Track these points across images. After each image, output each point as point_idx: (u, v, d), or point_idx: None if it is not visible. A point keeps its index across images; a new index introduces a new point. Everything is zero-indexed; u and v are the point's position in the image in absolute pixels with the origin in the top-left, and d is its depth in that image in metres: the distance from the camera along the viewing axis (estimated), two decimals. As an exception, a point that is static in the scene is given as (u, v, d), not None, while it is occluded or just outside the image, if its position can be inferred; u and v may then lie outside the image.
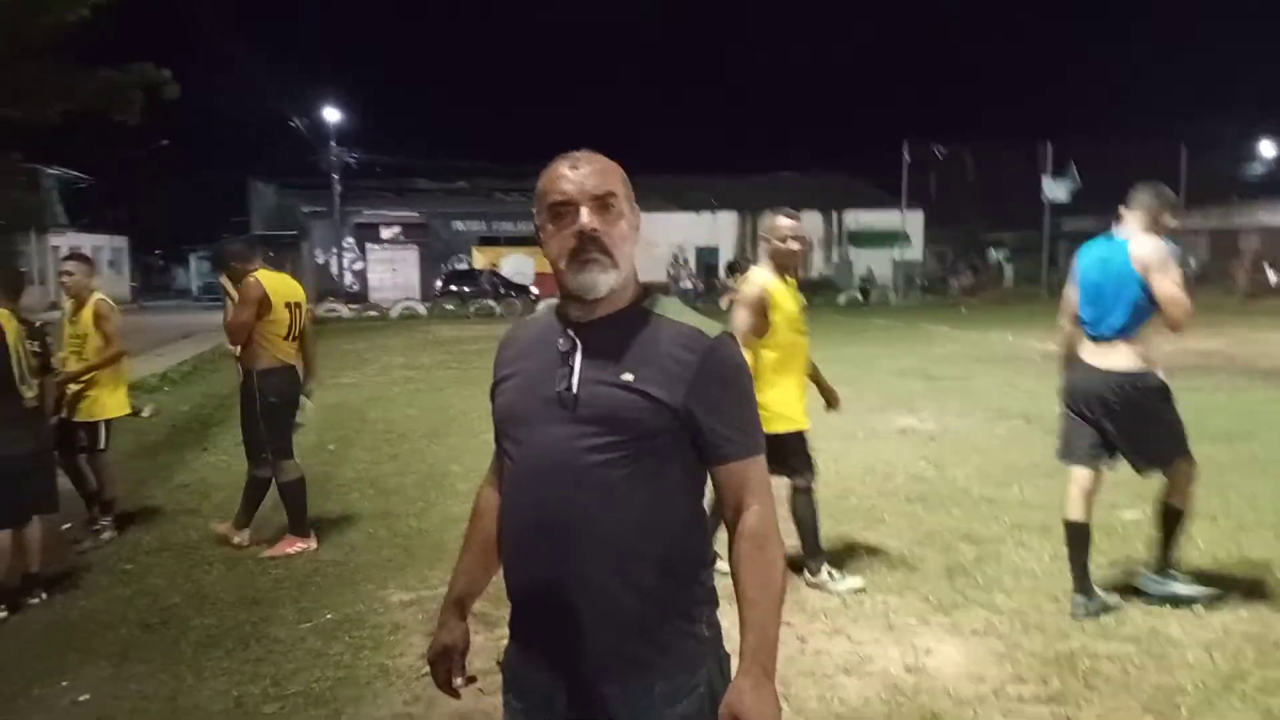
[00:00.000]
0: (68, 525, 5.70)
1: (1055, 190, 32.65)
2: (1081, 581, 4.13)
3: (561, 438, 1.53)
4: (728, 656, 1.63)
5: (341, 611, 4.29)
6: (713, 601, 1.65)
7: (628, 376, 1.51)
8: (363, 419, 9.49)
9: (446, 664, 1.75)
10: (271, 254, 5.65)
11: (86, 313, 5.43)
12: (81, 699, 3.50)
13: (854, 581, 4.49)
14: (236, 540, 5.26)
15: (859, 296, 32.02)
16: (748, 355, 4.26)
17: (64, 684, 3.62)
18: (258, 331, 5.07)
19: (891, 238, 35.70)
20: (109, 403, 5.53)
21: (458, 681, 1.75)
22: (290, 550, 5.11)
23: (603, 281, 1.53)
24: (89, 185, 40.10)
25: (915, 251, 38.08)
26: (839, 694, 3.42)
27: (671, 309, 1.61)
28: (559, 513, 1.52)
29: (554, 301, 1.69)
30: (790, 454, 4.40)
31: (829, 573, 4.50)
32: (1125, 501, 5.48)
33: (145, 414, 9.67)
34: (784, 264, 4.60)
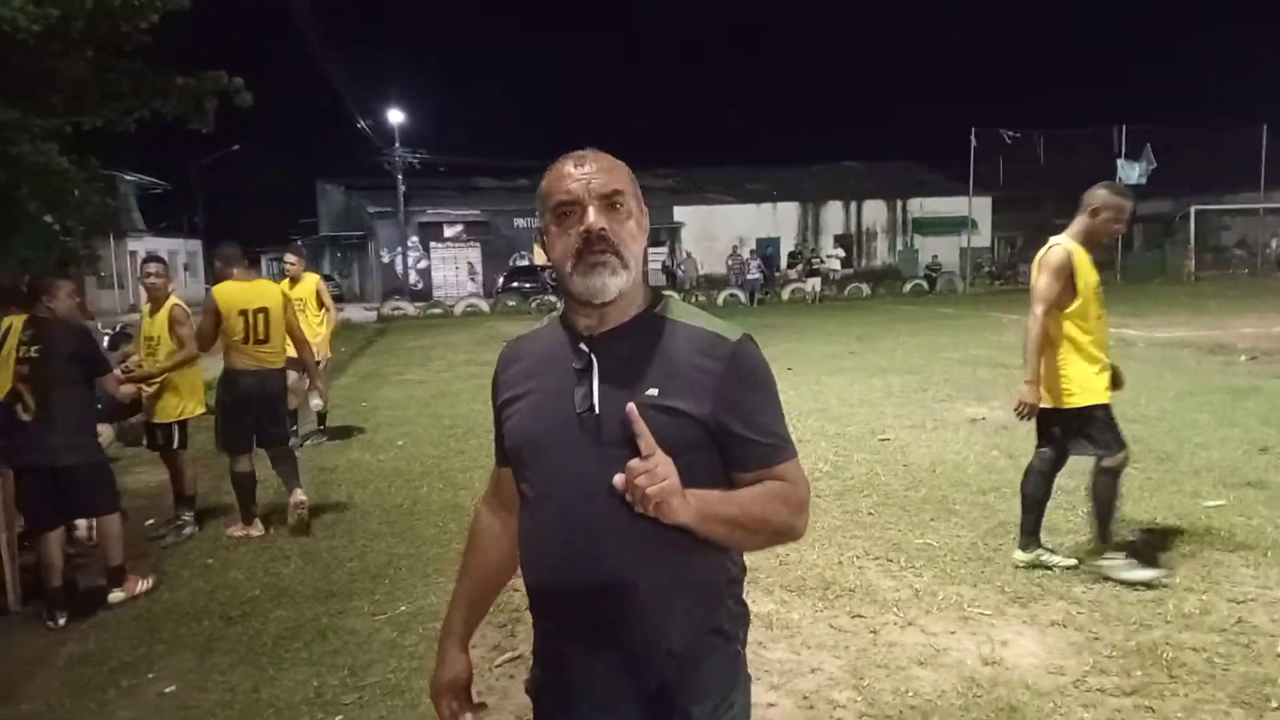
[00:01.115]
0: (151, 521, 5.92)
1: (1129, 172, 31.62)
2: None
3: (587, 464, 1.43)
4: (749, 678, 1.59)
5: (415, 604, 4.37)
6: (747, 618, 1.59)
7: (653, 392, 1.43)
8: (430, 414, 9.64)
9: (452, 699, 1.67)
10: (247, 262, 6.12)
11: (162, 315, 5.64)
12: (168, 690, 3.62)
13: (1153, 573, 4.23)
14: (255, 534, 5.54)
15: (924, 284, 31.42)
16: (1048, 326, 4.28)
17: (150, 675, 3.75)
18: (221, 337, 5.64)
19: (958, 224, 34.99)
20: (184, 404, 5.71)
21: (466, 718, 1.67)
22: (237, 533, 5.55)
23: (612, 284, 1.45)
24: (165, 190, 41.41)
25: (983, 238, 37.28)
26: (913, 686, 3.37)
27: (683, 312, 1.54)
28: (592, 545, 1.44)
29: (556, 314, 1.61)
30: (1094, 428, 4.28)
31: (1124, 561, 4.28)
32: (1208, 491, 5.29)
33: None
34: (1097, 239, 4.44)
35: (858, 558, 4.74)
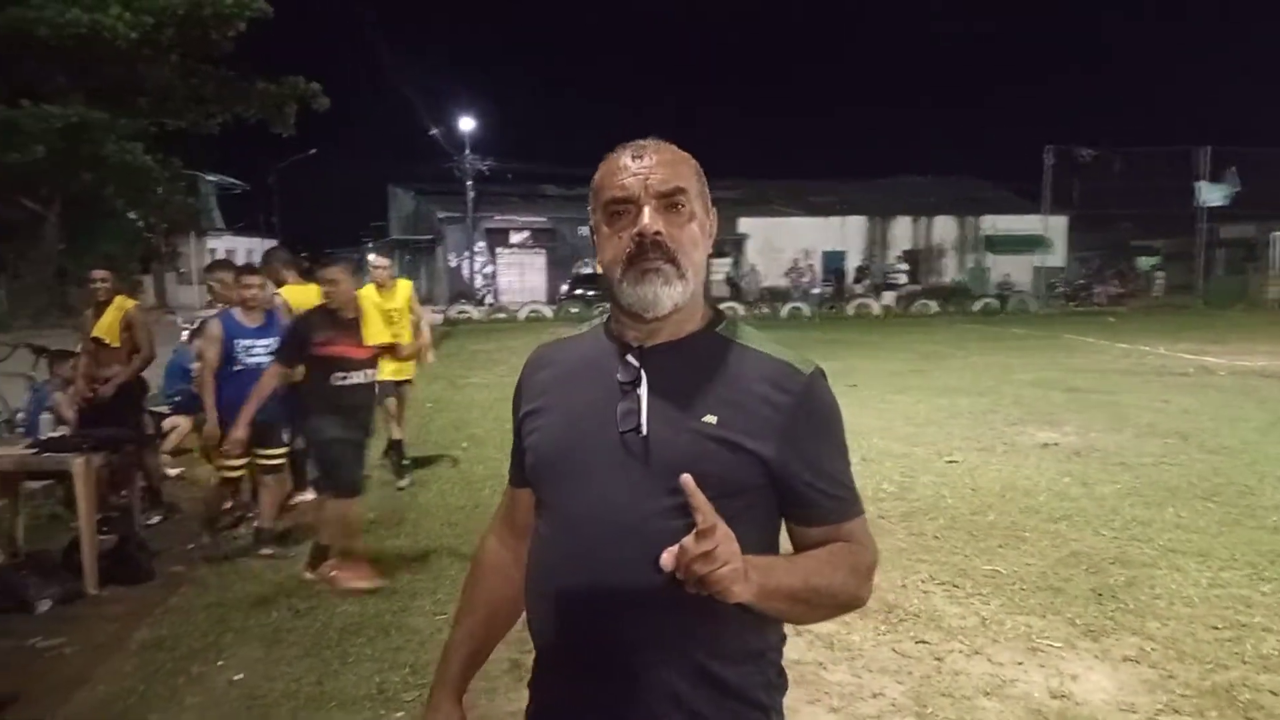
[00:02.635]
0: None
1: (1211, 194, 30.62)
2: None
3: (629, 494, 1.24)
4: None
5: (475, 605, 4.40)
6: (784, 686, 1.38)
7: (710, 419, 1.24)
8: (493, 418, 9.73)
9: None
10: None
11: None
12: (236, 678, 3.70)
13: None
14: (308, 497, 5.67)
15: (995, 303, 30.77)
16: None
17: (220, 663, 3.84)
18: None
19: (1032, 243, 34.23)
20: None
21: None
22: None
23: (665, 296, 1.26)
24: (244, 191, 42.71)
25: (1058, 258, 36.40)
26: (978, 717, 3.29)
27: (749, 334, 1.35)
28: (622, 587, 1.23)
29: (599, 320, 1.43)
30: None
31: None
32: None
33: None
34: None
35: (923, 582, 4.65)
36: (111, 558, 4.82)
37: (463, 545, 5.31)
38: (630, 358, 1.30)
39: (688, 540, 1.10)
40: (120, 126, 22.38)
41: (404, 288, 7.03)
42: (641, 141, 1.32)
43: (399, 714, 3.40)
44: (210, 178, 37.88)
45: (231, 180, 40.78)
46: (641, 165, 1.28)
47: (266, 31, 24.56)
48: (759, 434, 1.25)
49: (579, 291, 32.15)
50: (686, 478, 1.11)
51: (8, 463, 4.95)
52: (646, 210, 1.26)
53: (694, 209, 1.30)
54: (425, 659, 3.82)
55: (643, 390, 1.27)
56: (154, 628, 4.22)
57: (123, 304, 5.89)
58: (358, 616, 4.29)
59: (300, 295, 5.64)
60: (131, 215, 23.76)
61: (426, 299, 37.79)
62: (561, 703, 1.34)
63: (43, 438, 5.01)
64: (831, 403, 1.33)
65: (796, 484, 1.28)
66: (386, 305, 6.58)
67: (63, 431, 5.62)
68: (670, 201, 1.28)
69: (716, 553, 1.09)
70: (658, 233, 1.25)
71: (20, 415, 6.09)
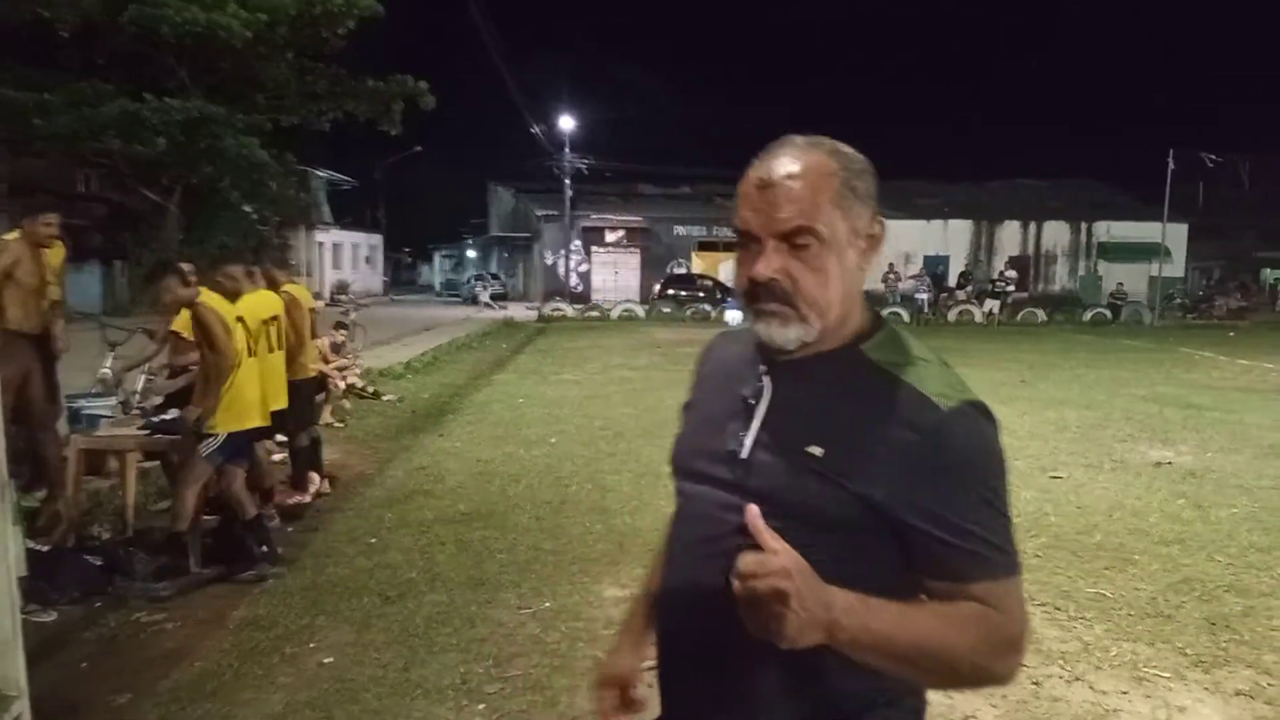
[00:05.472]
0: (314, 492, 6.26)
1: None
2: None
3: (721, 508, 1.20)
4: None
5: (559, 601, 4.42)
6: None
7: (815, 450, 1.15)
8: (583, 415, 9.79)
9: (611, 693, 1.47)
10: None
11: None
12: (326, 661, 3.79)
13: None
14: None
15: (1107, 314, 29.49)
16: None
17: (312, 645, 3.93)
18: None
19: (1149, 251, 32.73)
20: None
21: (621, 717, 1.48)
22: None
23: (781, 337, 1.19)
24: (352, 187, 44.13)
25: (1176, 268, 34.72)
26: (1078, 748, 3.12)
27: (899, 354, 1.21)
28: (708, 602, 1.17)
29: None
30: None
31: None
32: None
33: (388, 399, 10.48)
34: None
35: (1020, 601, 4.45)
36: (214, 537, 5.01)
37: (548, 541, 5.34)
38: (763, 369, 1.24)
39: (747, 556, 1.03)
40: (237, 121, 23.39)
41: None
42: (780, 155, 1.19)
43: (480, 705, 3.42)
44: (320, 173, 39.28)
45: (340, 176, 42.21)
46: (766, 198, 1.17)
47: (378, 31, 25.29)
48: (867, 473, 1.13)
49: (671, 291, 32.18)
50: (752, 511, 1.05)
51: (128, 442, 5.20)
52: (763, 255, 1.17)
53: (831, 242, 1.17)
54: (509, 652, 3.85)
55: (760, 409, 1.22)
56: (251, 607, 4.36)
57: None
58: (445, 606, 4.35)
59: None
60: (246, 208, 24.78)
61: (523, 296, 38.53)
62: (665, 690, 1.34)
63: (155, 420, 5.24)
64: (972, 444, 1.14)
65: (911, 532, 1.13)
66: None
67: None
68: (796, 240, 1.16)
69: (770, 563, 1.01)
70: (772, 279, 1.16)
71: (135, 397, 6.38)
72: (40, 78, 21.42)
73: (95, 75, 22.54)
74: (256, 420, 4.96)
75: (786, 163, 1.18)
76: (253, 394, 4.93)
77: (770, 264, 1.16)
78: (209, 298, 4.70)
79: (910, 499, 1.12)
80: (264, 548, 4.84)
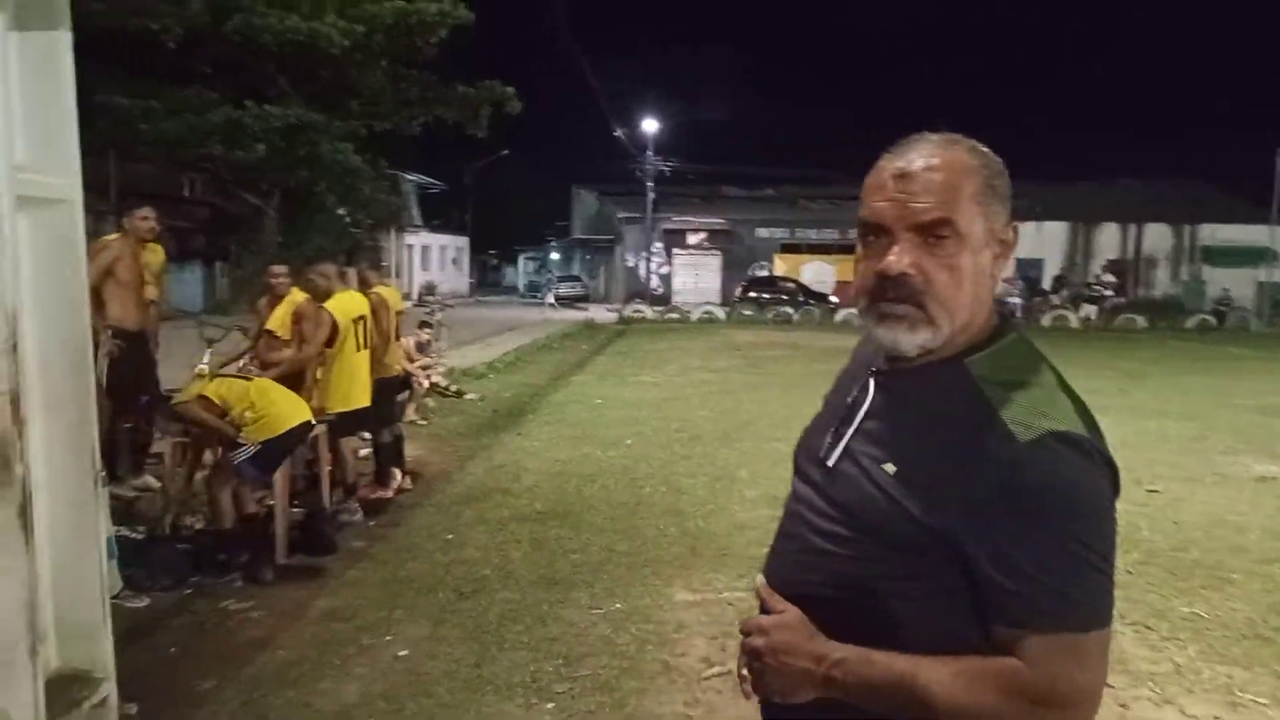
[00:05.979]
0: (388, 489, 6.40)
1: None
2: None
3: (809, 509, 1.21)
4: None
5: (630, 603, 4.42)
6: None
7: (889, 468, 1.11)
8: (660, 417, 9.79)
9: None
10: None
11: None
12: (401, 654, 3.86)
13: None
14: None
15: (1212, 320, 28.14)
16: None
17: (388, 638, 4.02)
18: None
19: (1256, 255, 31.14)
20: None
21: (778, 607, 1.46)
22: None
23: (906, 342, 1.13)
24: (440, 190, 45.10)
25: (1286, 272, 32.93)
26: (1167, 775, 2.98)
27: (1004, 371, 1.12)
28: (786, 596, 1.19)
29: None
30: None
31: None
32: None
33: (469, 397, 10.66)
34: None
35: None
36: (300, 530, 5.17)
37: (621, 542, 5.35)
38: (872, 374, 1.21)
39: (758, 618, 1.14)
40: (334, 128, 24.15)
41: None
42: (919, 146, 1.14)
43: (549, 704, 3.44)
44: (410, 177, 40.23)
45: (429, 180, 43.17)
46: (904, 187, 1.11)
47: (464, 36, 25.77)
48: (934, 502, 1.07)
49: (753, 294, 31.97)
50: (760, 580, 1.20)
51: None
52: (897, 245, 1.11)
53: (969, 239, 1.11)
54: (579, 652, 3.86)
55: (857, 417, 1.20)
56: (332, 598, 4.48)
57: (295, 298, 6.27)
58: (517, 604, 4.39)
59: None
60: (340, 211, 25.59)
61: (604, 298, 38.76)
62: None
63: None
64: (1049, 482, 1.04)
65: (976, 570, 1.05)
66: None
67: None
68: (932, 233, 1.10)
69: (763, 640, 1.13)
70: (904, 272, 1.10)
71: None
72: (146, 85, 22.52)
73: (199, 83, 23.58)
74: (293, 423, 4.83)
75: (927, 154, 1.12)
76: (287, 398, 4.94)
77: (903, 257, 1.10)
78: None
79: (975, 535, 1.05)
80: (245, 557, 4.72)
